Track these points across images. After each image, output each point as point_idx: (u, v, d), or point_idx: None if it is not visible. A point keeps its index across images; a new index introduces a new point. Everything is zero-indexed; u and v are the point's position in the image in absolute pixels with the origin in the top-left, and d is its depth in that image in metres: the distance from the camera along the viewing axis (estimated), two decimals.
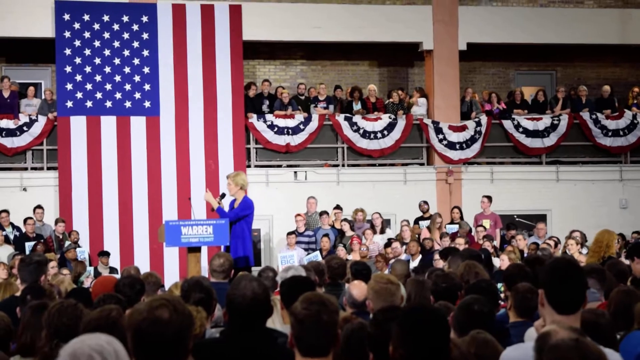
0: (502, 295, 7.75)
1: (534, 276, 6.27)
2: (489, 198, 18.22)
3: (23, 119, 18.53)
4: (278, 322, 5.75)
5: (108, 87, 18.60)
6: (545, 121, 20.41)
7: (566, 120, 20.46)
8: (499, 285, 7.77)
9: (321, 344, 3.75)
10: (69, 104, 18.43)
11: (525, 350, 3.89)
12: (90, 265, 16.00)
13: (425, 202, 18.20)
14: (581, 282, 4.22)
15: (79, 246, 16.48)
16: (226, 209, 12.09)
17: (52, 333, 4.75)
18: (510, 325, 5.62)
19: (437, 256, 14.02)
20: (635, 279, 7.93)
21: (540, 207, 20.18)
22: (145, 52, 18.79)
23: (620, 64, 22.98)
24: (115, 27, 18.71)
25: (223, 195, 12.51)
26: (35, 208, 17.21)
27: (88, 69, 18.54)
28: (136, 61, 18.74)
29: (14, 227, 16.92)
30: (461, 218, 17.73)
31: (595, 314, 4.91)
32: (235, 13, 19.17)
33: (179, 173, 18.69)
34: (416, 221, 17.98)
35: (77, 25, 18.52)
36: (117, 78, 18.64)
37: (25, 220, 16.72)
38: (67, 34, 18.50)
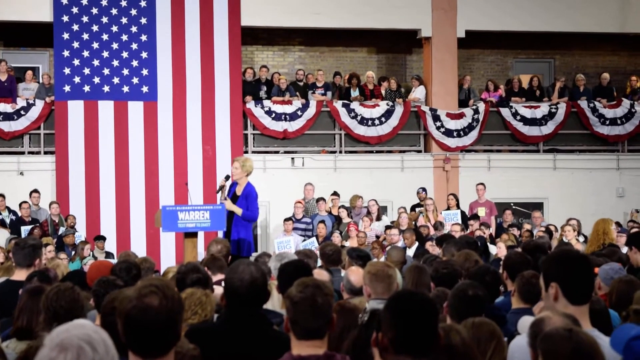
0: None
1: (535, 264, 6.28)
2: (484, 185, 18.26)
3: (20, 103, 18.49)
4: (278, 307, 5.77)
5: (106, 71, 18.55)
6: (543, 109, 20.39)
7: (564, 108, 20.44)
8: None
9: (316, 326, 3.79)
10: (67, 88, 18.38)
11: None
12: None
13: (424, 190, 18.15)
14: (592, 272, 4.31)
15: (75, 231, 16.49)
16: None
17: (51, 317, 4.75)
18: (512, 311, 5.61)
19: (432, 242, 14.07)
20: (632, 267, 7.94)
21: (537, 195, 20.18)
22: (144, 37, 18.73)
23: (618, 53, 22.95)
24: (114, 11, 18.64)
25: (227, 177, 12.50)
26: (31, 192, 17.20)
27: (86, 54, 18.48)
28: (134, 46, 18.68)
29: (10, 211, 16.93)
30: (457, 205, 17.74)
31: (591, 301, 4.93)
32: None
33: (176, 158, 18.65)
34: (412, 208, 17.99)
35: (75, 10, 18.45)
36: (115, 63, 18.59)
37: (20, 205, 16.73)
38: (65, 18, 18.44)
